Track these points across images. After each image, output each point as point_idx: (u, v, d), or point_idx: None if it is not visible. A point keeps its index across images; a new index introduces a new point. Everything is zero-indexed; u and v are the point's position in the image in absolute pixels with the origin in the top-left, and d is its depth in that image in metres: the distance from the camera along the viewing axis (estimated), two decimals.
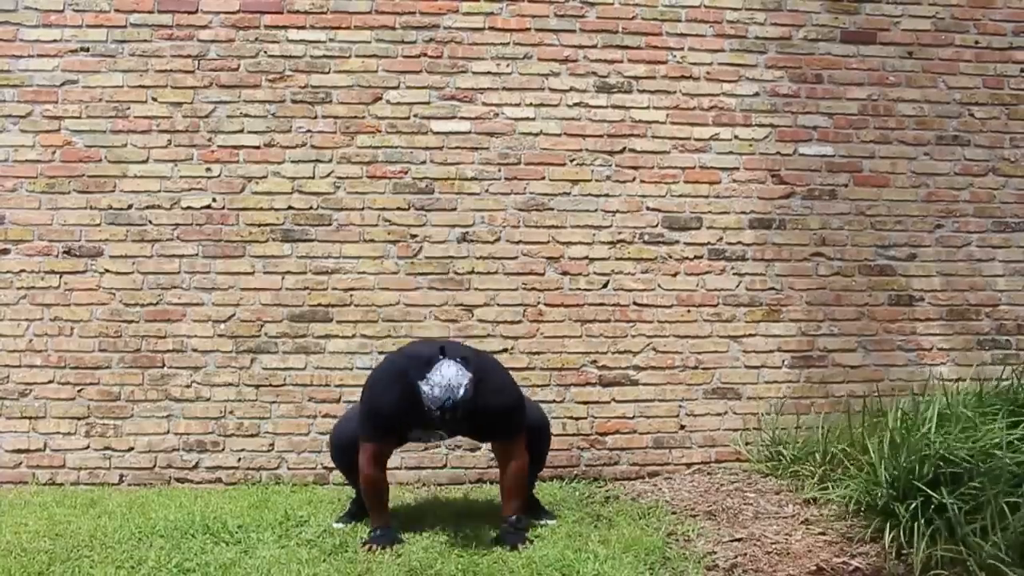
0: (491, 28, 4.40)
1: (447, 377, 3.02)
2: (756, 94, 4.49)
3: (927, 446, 3.19)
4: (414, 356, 3.21)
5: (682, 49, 4.47)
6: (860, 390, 4.40)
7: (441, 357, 3.11)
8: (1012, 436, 3.22)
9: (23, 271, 4.21)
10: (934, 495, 2.99)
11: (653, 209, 4.42)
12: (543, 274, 4.36)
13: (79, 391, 4.19)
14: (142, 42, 4.29)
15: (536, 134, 4.39)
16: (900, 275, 4.52)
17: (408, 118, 4.35)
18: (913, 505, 3.02)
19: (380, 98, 4.36)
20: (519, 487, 3.36)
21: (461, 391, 2.99)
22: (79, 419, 4.18)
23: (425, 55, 4.37)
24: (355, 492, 3.61)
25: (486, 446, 4.17)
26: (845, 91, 4.54)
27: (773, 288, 4.45)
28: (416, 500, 3.88)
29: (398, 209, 4.32)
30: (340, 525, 3.46)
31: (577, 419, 4.32)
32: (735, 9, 4.49)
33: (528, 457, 3.36)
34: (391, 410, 3.20)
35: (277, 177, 4.30)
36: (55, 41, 4.26)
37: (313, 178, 4.31)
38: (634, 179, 4.42)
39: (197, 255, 4.26)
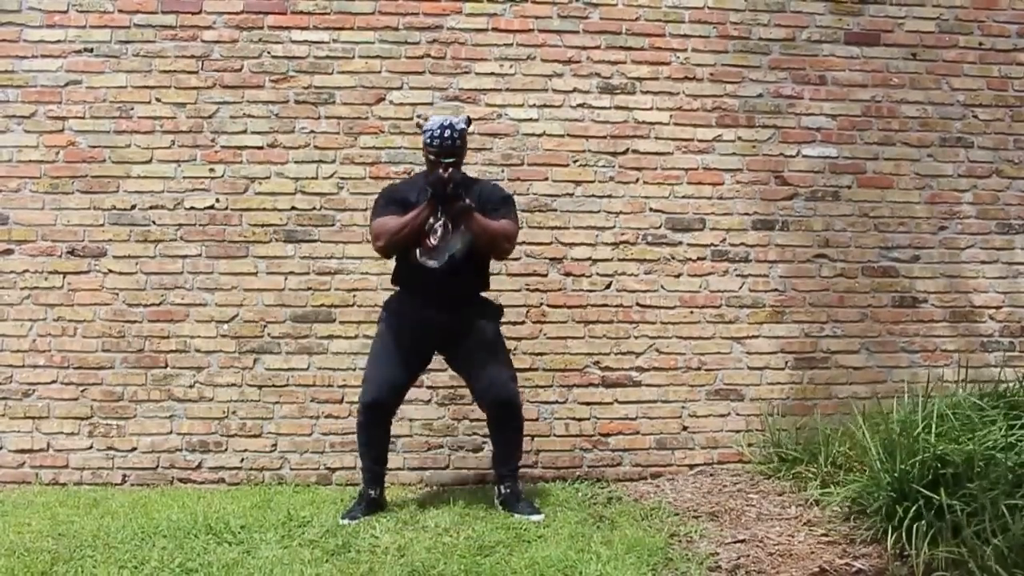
0: (494, 29, 4.40)
1: (442, 115, 3.69)
2: (759, 95, 4.49)
3: (924, 449, 3.18)
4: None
5: (685, 50, 4.47)
6: (863, 392, 4.40)
7: None
8: (1012, 438, 3.21)
9: (26, 271, 4.22)
10: (934, 497, 2.99)
11: (656, 210, 4.42)
12: (546, 275, 4.36)
13: (82, 391, 4.20)
14: (146, 43, 4.30)
15: (539, 135, 4.39)
16: (903, 277, 4.52)
17: (411, 119, 4.34)
18: (914, 507, 3.02)
19: (383, 99, 4.36)
20: (500, 228, 3.56)
21: (455, 118, 3.55)
22: (82, 419, 4.19)
23: (428, 56, 4.37)
24: (363, 478, 3.67)
25: (488, 447, 4.18)
26: (848, 92, 4.54)
27: (776, 289, 4.45)
28: (419, 501, 3.88)
29: None
30: (346, 521, 3.47)
31: (580, 420, 4.33)
32: (738, 10, 4.50)
33: (512, 236, 3.62)
34: (398, 188, 3.70)
35: (280, 178, 4.31)
36: (59, 42, 4.27)
37: (316, 178, 4.32)
38: (637, 180, 4.42)
39: (200, 255, 4.27)
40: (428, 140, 3.50)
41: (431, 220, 3.49)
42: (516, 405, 3.66)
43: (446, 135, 3.47)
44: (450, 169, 3.44)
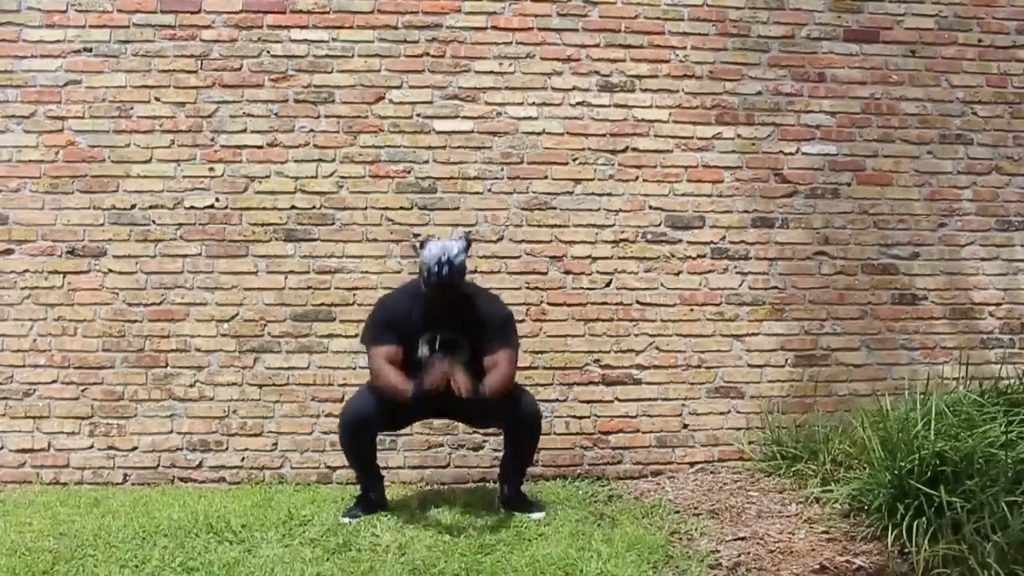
0: (493, 27, 4.40)
1: (441, 241, 3.43)
2: (759, 93, 4.49)
3: (923, 446, 3.18)
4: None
5: (685, 48, 4.47)
6: (863, 389, 4.41)
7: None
8: (1011, 434, 3.21)
9: (27, 271, 4.22)
10: (934, 494, 2.99)
11: (656, 208, 4.42)
12: (546, 273, 4.36)
13: (83, 391, 4.20)
14: (145, 42, 4.30)
15: (539, 133, 4.39)
16: (903, 274, 4.52)
17: (411, 117, 4.35)
18: (914, 504, 3.02)
19: (383, 98, 4.36)
20: (505, 382, 3.39)
21: (455, 250, 3.35)
22: (83, 419, 4.19)
23: (427, 55, 4.37)
24: (358, 483, 3.68)
25: (489, 445, 4.19)
26: (848, 90, 4.54)
27: (776, 287, 4.45)
28: (420, 499, 3.88)
29: (401, 209, 4.32)
30: (347, 519, 3.48)
31: (580, 418, 4.33)
32: (738, 8, 4.49)
33: (514, 373, 3.47)
34: (394, 305, 3.53)
35: (280, 177, 4.31)
36: (58, 41, 4.27)
37: (316, 178, 4.32)
38: (637, 178, 4.42)
39: (200, 255, 4.27)
40: (425, 274, 3.35)
41: (426, 351, 3.43)
42: (540, 422, 3.66)
43: (444, 272, 3.29)
44: (447, 377, 3.25)
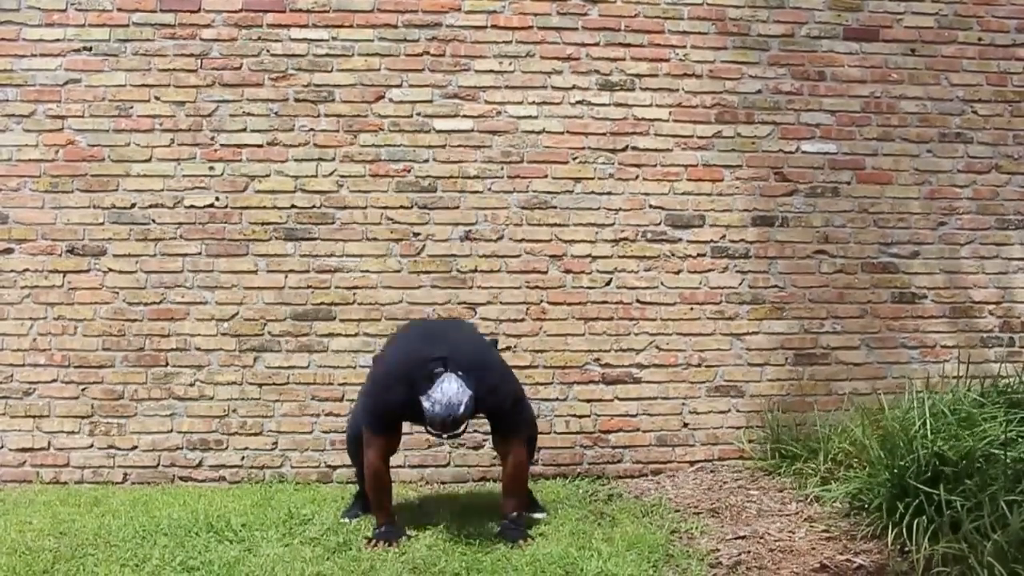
0: (493, 26, 4.40)
1: (448, 395, 3.06)
2: (759, 91, 4.49)
3: (922, 445, 3.18)
4: (418, 361, 3.20)
5: (684, 47, 4.46)
6: (863, 388, 4.41)
7: (443, 369, 3.13)
8: (1010, 433, 3.21)
9: (27, 270, 4.22)
10: (934, 493, 2.99)
11: (656, 207, 4.42)
12: (546, 272, 4.36)
13: (83, 390, 4.20)
14: (145, 41, 4.30)
15: (539, 132, 4.39)
16: (903, 272, 4.52)
17: (411, 116, 4.35)
18: (914, 503, 3.02)
19: (383, 97, 4.36)
20: (520, 483, 3.42)
21: (461, 408, 3.05)
22: (83, 418, 4.19)
23: (427, 53, 4.37)
24: (360, 486, 3.66)
25: (489, 444, 4.19)
26: (848, 88, 4.53)
27: (776, 286, 4.45)
28: (420, 498, 3.88)
29: (401, 208, 4.32)
30: (346, 519, 3.48)
31: (580, 417, 4.33)
32: (737, 7, 4.49)
33: (527, 453, 3.46)
34: (394, 408, 3.28)
35: (280, 176, 4.31)
36: (58, 40, 4.27)
37: (316, 177, 4.32)
38: (637, 177, 4.42)
39: (200, 254, 4.27)
40: (429, 423, 3.12)
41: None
42: (536, 427, 3.69)
43: (448, 424, 3.09)
44: None
